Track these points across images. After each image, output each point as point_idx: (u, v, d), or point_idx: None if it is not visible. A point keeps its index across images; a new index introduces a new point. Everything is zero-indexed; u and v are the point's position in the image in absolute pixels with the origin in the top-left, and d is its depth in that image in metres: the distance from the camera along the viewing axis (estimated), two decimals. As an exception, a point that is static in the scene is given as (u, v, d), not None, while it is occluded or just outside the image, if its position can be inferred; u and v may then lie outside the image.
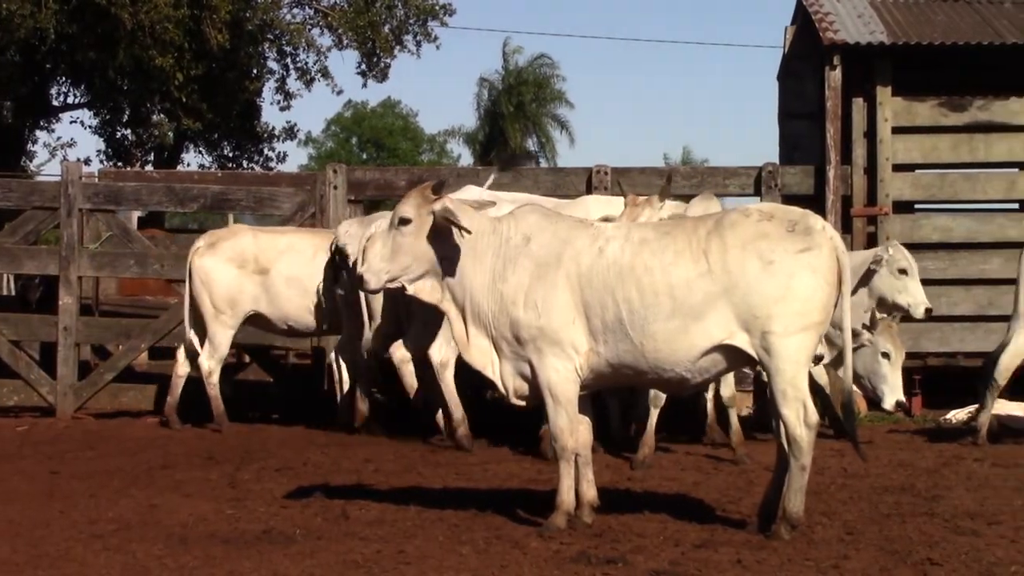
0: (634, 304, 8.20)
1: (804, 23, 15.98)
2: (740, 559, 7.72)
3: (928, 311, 12.29)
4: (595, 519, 8.61)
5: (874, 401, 12.23)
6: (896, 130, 14.93)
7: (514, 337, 8.40)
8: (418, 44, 29.66)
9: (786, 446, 8.21)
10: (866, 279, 12.28)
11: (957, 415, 13.46)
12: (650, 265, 8.22)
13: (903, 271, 12.27)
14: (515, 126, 59.71)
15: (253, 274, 13.29)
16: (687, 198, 12.53)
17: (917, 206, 15.69)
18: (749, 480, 10.34)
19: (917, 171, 15.28)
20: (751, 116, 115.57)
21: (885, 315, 12.15)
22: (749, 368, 10.33)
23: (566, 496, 8.52)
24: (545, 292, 8.32)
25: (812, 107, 15.61)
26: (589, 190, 14.76)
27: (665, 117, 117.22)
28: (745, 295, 8.10)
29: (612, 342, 8.28)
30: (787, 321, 8.06)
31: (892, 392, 11.83)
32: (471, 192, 12.31)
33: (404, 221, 8.46)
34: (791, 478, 8.20)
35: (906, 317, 12.37)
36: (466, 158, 62.59)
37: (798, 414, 8.09)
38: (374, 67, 29.42)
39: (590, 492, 8.66)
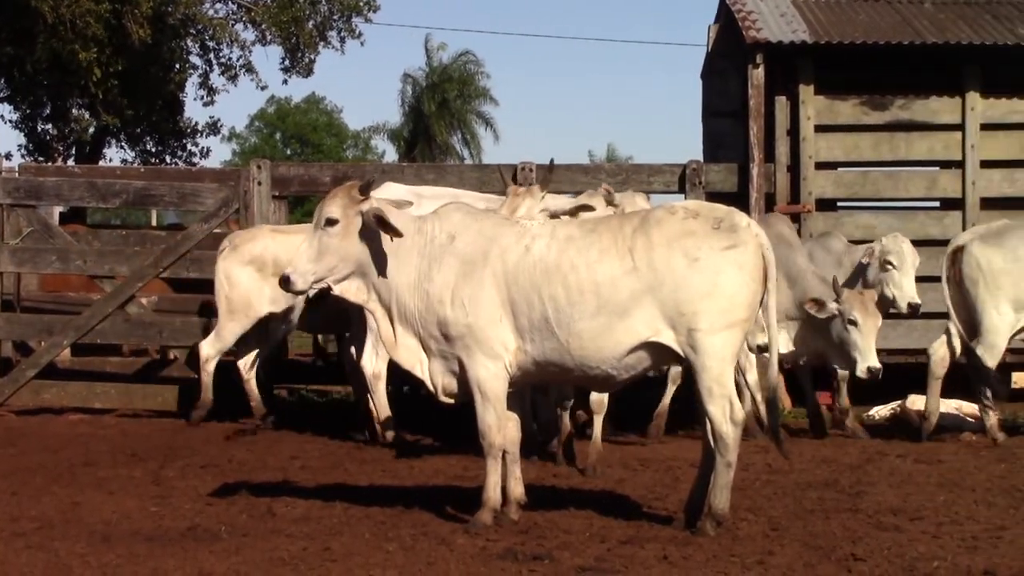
0: (560, 302, 8.22)
1: (727, 22, 16.05)
2: (666, 555, 7.75)
3: (912, 306, 12.53)
4: (522, 516, 8.62)
5: (849, 369, 12.18)
6: (819, 128, 15.03)
7: (442, 335, 8.39)
8: (342, 40, 29.52)
9: (712, 443, 8.25)
10: (859, 272, 12.71)
11: (880, 411, 13.56)
12: (576, 263, 8.24)
13: (889, 263, 12.57)
14: (439, 123, 59.65)
15: (272, 277, 13.14)
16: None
17: (840, 204, 15.79)
18: (675, 477, 10.39)
19: (839, 169, 15.38)
20: (675, 114, 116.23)
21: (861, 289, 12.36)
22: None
23: (493, 493, 8.52)
24: (472, 290, 8.32)
25: (736, 105, 15.69)
26: (515, 187, 14.73)
27: (590, 114, 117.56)
28: (671, 292, 8.12)
29: (539, 340, 8.29)
30: (713, 318, 8.10)
31: (863, 358, 11.73)
32: (392, 189, 12.30)
33: (331, 222, 8.43)
34: (717, 475, 8.24)
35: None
36: (391, 154, 62.54)
37: (724, 411, 8.14)
38: (298, 62, 29.26)
39: (517, 489, 8.67)
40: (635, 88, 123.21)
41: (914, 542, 8.14)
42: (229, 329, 13.28)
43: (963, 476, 10.54)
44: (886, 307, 12.35)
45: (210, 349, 13.32)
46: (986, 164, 15.09)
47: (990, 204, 14.93)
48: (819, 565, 7.61)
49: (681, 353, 8.18)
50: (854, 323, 11.76)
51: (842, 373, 12.69)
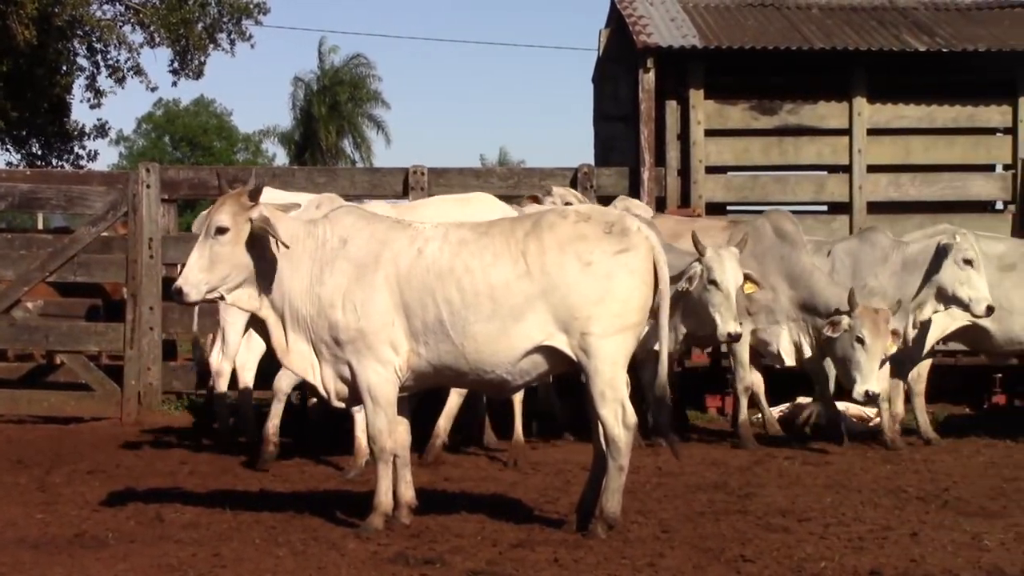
0: (455, 305, 8.20)
1: (618, 26, 16.12)
2: (557, 558, 7.76)
3: (990, 308, 11.98)
4: (413, 520, 8.60)
5: (847, 387, 11.82)
6: (709, 132, 15.13)
7: (333, 340, 8.35)
8: (232, 42, 29.31)
9: (604, 446, 8.27)
10: (931, 268, 12.13)
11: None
12: (470, 266, 8.23)
13: (968, 262, 12.02)
14: (330, 126, 59.42)
15: None
16: (508, 199, 12.56)
17: (729, 207, 15.91)
18: (567, 480, 10.41)
19: (729, 173, 15.51)
20: (567, 118, 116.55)
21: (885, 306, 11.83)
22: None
23: (384, 497, 8.50)
24: (364, 294, 8.28)
25: (627, 109, 15.75)
26: (406, 191, 14.75)
27: (482, 118, 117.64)
28: (563, 296, 8.14)
29: (433, 343, 8.27)
30: (605, 322, 8.13)
31: (863, 380, 11.39)
32: (269, 195, 12.22)
33: (221, 230, 8.34)
34: (609, 478, 8.27)
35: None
36: (281, 158, 62.21)
37: (616, 415, 8.16)
38: (187, 65, 29.02)
39: (408, 493, 8.65)
40: (528, 92, 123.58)
41: (802, 543, 8.22)
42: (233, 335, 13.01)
43: (850, 478, 10.65)
44: (946, 306, 12.10)
45: (225, 363, 13.01)
46: (872, 168, 15.28)
47: (876, 208, 15.11)
48: (709, 567, 7.66)
49: (574, 357, 8.20)
50: (861, 342, 11.39)
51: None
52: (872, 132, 15.29)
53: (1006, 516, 9.17)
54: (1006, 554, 8.00)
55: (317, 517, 8.84)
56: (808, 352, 12.11)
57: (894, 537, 8.43)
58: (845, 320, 11.46)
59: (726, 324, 11.44)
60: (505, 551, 7.95)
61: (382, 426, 8.38)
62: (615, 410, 8.16)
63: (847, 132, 15.25)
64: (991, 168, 15.65)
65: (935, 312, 12.23)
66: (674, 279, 11.17)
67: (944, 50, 15.02)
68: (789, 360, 12.21)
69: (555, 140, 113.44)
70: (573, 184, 14.80)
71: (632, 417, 8.21)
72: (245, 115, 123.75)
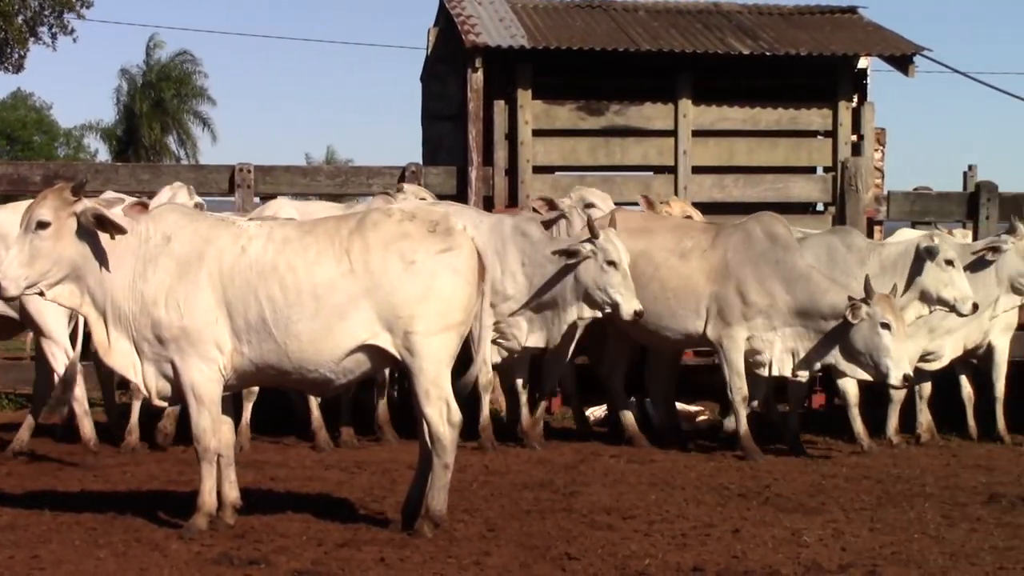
0: (278, 303, 8.16)
1: (447, 25, 16.11)
2: (383, 557, 7.76)
3: (975, 306, 11.89)
4: (238, 520, 8.54)
5: (877, 378, 11.45)
6: (536, 133, 15.18)
7: (156, 338, 8.25)
8: (54, 36, 28.84)
9: (429, 445, 8.28)
10: (913, 271, 12.03)
11: (595, 412, 13.75)
12: (293, 264, 8.19)
13: (950, 262, 11.95)
14: (153, 122, 58.67)
15: None
16: (334, 198, 12.52)
17: (556, 207, 15.95)
18: (393, 479, 10.38)
19: (557, 173, 15.56)
20: (396, 117, 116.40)
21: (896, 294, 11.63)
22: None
23: (208, 497, 8.41)
24: (187, 291, 8.20)
25: (455, 109, 15.75)
26: (232, 188, 14.61)
27: (310, 116, 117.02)
28: (387, 295, 8.14)
29: (256, 342, 8.22)
30: (429, 321, 8.14)
31: (896, 366, 11.10)
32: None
33: (42, 225, 8.21)
34: (434, 476, 8.28)
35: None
36: (103, 153, 61.22)
37: (441, 413, 8.18)
38: (7, 58, 28.48)
39: (232, 493, 8.58)
40: (355, 90, 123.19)
41: (626, 540, 8.29)
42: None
43: (674, 475, 10.77)
44: (930, 308, 12.01)
45: None
46: (697, 170, 15.44)
47: (701, 209, 15.21)
48: (534, 565, 7.70)
49: (398, 356, 8.21)
50: (887, 327, 11.12)
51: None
52: (697, 134, 15.45)
53: (824, 512, 9.34)
54: (824, 549, 8.16)
55: (139, 518, 8.71)
56: (806, 360, 11.69)
57: (716, 534, 8.55)
58: (864, 308, 11.18)
59: (630, 303, 11.44)
60: (331, 551, 7.92)
61: (206, 425, 8.30)
62: (440, 408, 8.18)
63: (673, 134, 15.39)
64: (812, 170, 15.89)
65: (919, 316, 12.13)
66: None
67: (767, 53, 15.24)
68: (782, 369, 11.82)
69: (383, 139, 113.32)
70: (401, 183, 14.76)
71: (457, 415, 8.24)
72: (66, 110, 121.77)
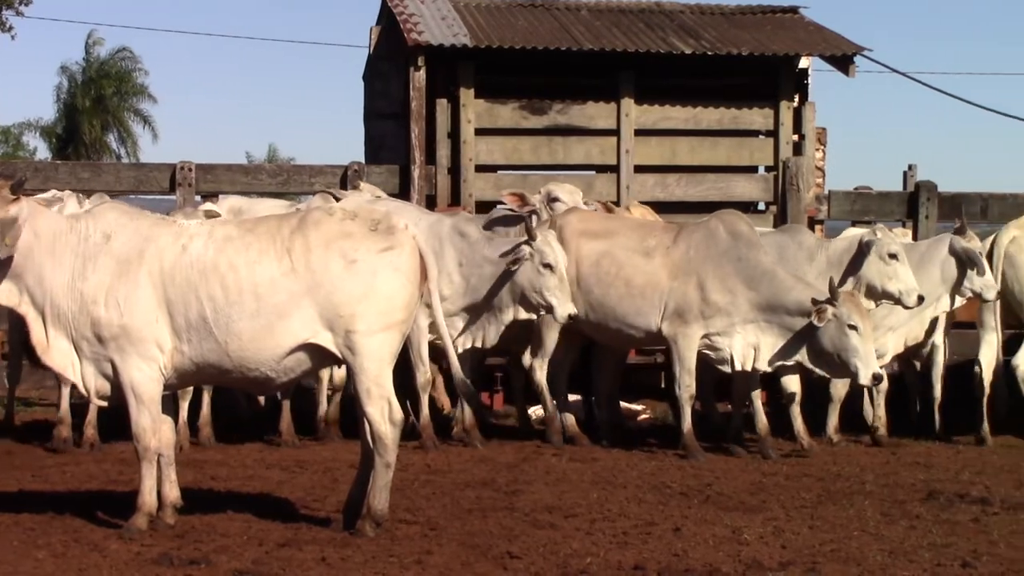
0: (218, 302, 8.13)
1: (389, 24, 16.09)
2: (324, 557, 7.74)
3: (921, 298, 11.92)
4: (178, 520, 8.50)
5: (846, 378, 11.66)
6: (479, 132, 15.18)
7: (95, 336, 8.21)
8: (-9, 33, 28.60)
9: (371, 444, 8.27)
10: (854, 265, 12.08)
11: (537, 411, 13.75)
12: (234, 263, 8.16)
13: (893, 255, 11.99)
14: (94, 120, 58.28)
15: None
16: (276, 196, 12.48)
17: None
18: (334, 478, 10.35)
19: (499, 172, 15.57)
20: (338, 115, 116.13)
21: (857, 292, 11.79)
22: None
23: (148, 497, 8.37)
24: (127, 290, 8.16)
25: (397, 107, 15.75)
26: (173, 187, 14.56)
27: (252, 114, 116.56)
28: (328, 294, 8.12)
29: (196, 341, 8.19)
30: (370, 320, 8.13)
31: (866, 365, 11.15)
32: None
33: (-20, 225, 8.16)
34: (376, 475, 8.27)
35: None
36: (43, 151, 60.74)
37: (383, 412, 8.17)
38: (-56, 56, 28.26)
39: (173, 492, 8.54)
40: (297, 89, 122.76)
41: (568, 539, 8.31)
42: None
43: (615, 474, 10.78)
44: (876, 301, 11.99)
45: None
46: (640, 169, 15.48)
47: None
48: (476, 564, 7.70)
49: (339, 355, 8.20)
50: (855, 328, 11.16)
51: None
52: (640, 133, 15.49)
53: (764, 510, 9.39)
54: (764, 547, 8.20)
55: (79, 518, 8.67)
56: (767, 354, 11.70)
57: (658, 532, 8.57)
58: (830, 310, 11.22)
59: (564, 306, 11.40)
60: (272, 550, 7.90)
61: (146, 425, 8.26)
62: (382, 407, 8.17)
63: (615, 133, 15.42)
64: (754, 170, 15.97)
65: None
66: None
67: (709, 53, 15.29)
68: (744, 364, 11.78)
69: (326, 138, 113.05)
70: (343, 181, 14.76)
71: (398, 413, 8.24)
72: (5, 107, 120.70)
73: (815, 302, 11.27)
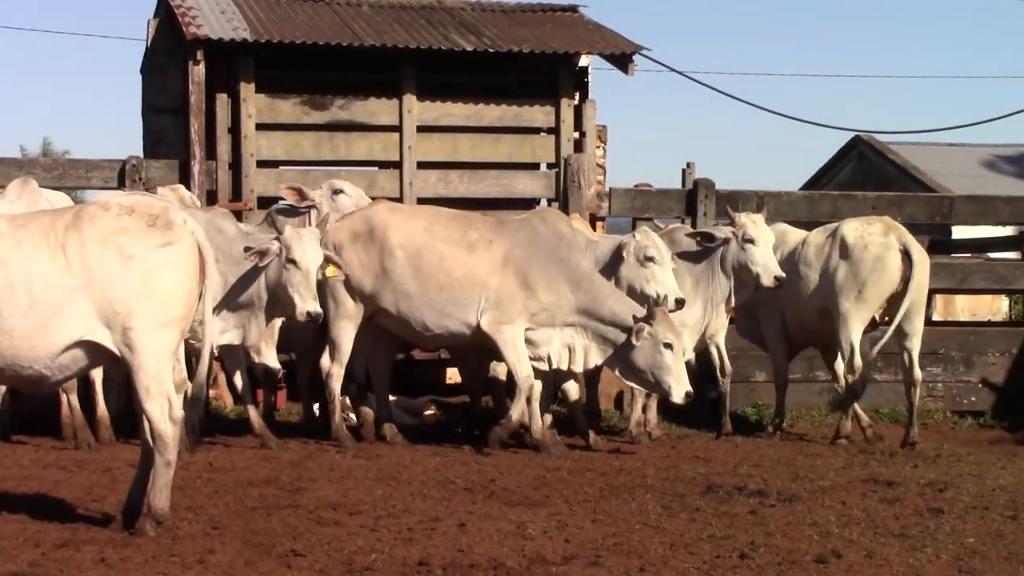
0: (-10, 299, 7.94)
1: (167, 17, 15.87)
2: (104, 557, 7.61)
3: (680, 301, 11.97)
4: (-52, 523, 8.28)
5: (659, 395, 11.81)
6: (260, 127, 15.06)
7: None
8: None
9: (151, 442, 8.16)
10: (613, 267, 12.16)
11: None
12: (6, 259, 7.97)
13: (650, 259, 12.09)
14: None
15: None
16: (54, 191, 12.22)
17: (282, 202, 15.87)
18: (114, 478, 10.18)
19: (281, 168, 15.46)
20: (116, 109, 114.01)
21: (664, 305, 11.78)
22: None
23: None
24: None
25: (176, 102, 15.55)
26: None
27: (24, 106, 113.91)
28: (105, 290, 7.98)
29: (-34, 338, 7.98)
30: (148, 316, 8.01)
31: (678, 383, 11.28)
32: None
33: None
34: (156, 474, 8.15)
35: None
36: None
37: (163, 409, 8.06)
38: None
39: (-56, 495, 8.33)
40: (72, 81, 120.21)
41: (353, 536, 8.28)
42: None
43: (400, 470, 10.79)
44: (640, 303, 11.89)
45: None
46: (423, 165, 15.50)
47: (426, 204, 15.33)
48: (260, 562, 7.64)
49: (117, 352, 8.06)
50: (669, 347, 11.29)
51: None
52: (422, 129, 15.51)
53: (548, 505, 9.46)
54: (548, 542, 8.27)
55: None
56: (582, 356, 11.80)
57: (442, 528, 8.59)
58: (647, 328, 11.34)
59: (305, 303, 11.11)
60: (49, 552, 7.74)
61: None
62: (161, 404, 8.06)
63: (398, 129, 15.42)
64: (536, 167, 16.08)
65: None
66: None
67: (490, 50, 15.37)
68: (560, 363, 11.85)
69: (103, 131, 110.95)
70: (121, 176, 14.52)
71: (179, 411, 8.15)
72: None
73: (635, 319, 11.44)
